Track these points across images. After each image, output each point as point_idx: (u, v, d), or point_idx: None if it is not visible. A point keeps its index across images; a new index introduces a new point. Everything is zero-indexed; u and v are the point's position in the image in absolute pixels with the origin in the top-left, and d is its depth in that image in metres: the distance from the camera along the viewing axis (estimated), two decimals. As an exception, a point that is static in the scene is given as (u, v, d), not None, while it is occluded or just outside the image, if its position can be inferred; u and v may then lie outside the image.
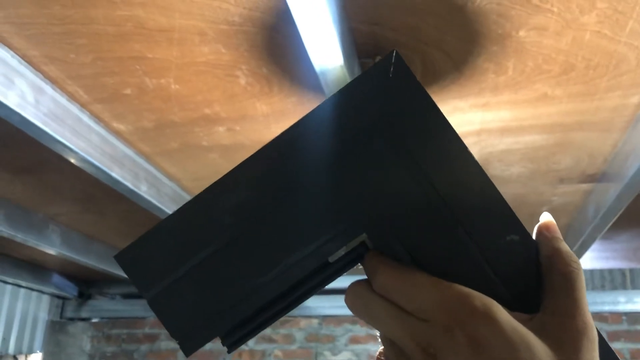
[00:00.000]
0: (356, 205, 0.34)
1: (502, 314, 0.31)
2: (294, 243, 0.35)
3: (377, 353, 0.37)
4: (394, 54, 0.34)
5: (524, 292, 0.34)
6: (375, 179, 0.34)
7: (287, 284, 0.35)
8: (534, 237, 0.36)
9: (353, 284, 0.35)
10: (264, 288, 0.35)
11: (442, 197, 0.34)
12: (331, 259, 0.36)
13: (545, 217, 0.37)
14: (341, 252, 0.36)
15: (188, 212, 0.36)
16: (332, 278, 0.36)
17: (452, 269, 0.34)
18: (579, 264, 0.34)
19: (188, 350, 0.35)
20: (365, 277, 0.36)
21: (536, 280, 0.34)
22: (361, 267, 0.37)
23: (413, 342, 0.32)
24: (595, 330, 0.32)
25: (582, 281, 0.33)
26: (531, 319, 0.33)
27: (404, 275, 0.33)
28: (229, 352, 0.37)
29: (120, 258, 0.36)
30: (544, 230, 0.36)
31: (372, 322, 0.34)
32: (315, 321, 3.57)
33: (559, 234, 0.36)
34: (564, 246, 0.35)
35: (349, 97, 0.35)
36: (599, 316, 3.33)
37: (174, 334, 0.35)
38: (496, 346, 0.30)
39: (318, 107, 0.35)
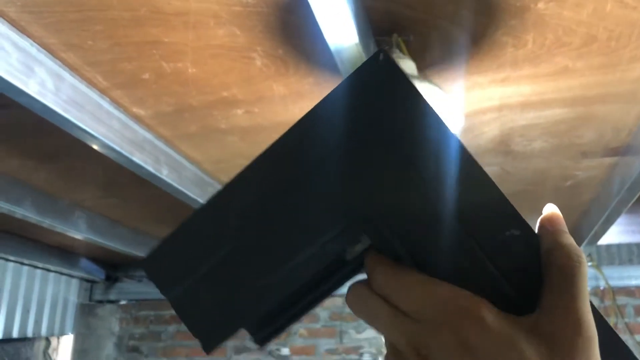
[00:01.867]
0: (356, 203, 0.35)
1: (490, 313, 0.30)
2: (297, 241, 0.35)
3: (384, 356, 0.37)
4: (381, 54, 0.34)
5: (525, 288, 0.33)
6: (374, 177, 0.34)
7: (299, 281, 0.36)
8: (536, 230, 0.34)
9: (354, 284, 0.35)
10: (275, 286, 0.36)
11: (439, 194, 0.34)
12: (348, 257, 0.36)
13: (549, 209, 0.35)
14: (358, 249, 0.36)
15: (200, 216, 0.37)
16: (350, 276, 0.37)
17: (453, 267, 0.33)
18: (580, 258, 0.32)
19: (208, 347, 0.37)
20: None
21: (537, 276, 0.33)
22: None
23: (408, 344, 0.32)
24: (594, 328, 0.31)
25: (583, 276, 0.31)
26: (527, 318, 0.31)
27: (399, 274, 0.33)
28: (260, 347, 0.38)
29: (146, 264, 0.38)
30: (545, 223, 0.34)
31: (371, 322, 0.34)
32: (339, 300, 3.59)
33: (562, 226, 0.34)
34: (567, 239, 0.33)
35: (342, 97, 0.35)
36: (626, 291, 3.29)
37: (194, 332, 0.37)
38: (484, 347, 0.29)
39: (316, 106, 0.35)
